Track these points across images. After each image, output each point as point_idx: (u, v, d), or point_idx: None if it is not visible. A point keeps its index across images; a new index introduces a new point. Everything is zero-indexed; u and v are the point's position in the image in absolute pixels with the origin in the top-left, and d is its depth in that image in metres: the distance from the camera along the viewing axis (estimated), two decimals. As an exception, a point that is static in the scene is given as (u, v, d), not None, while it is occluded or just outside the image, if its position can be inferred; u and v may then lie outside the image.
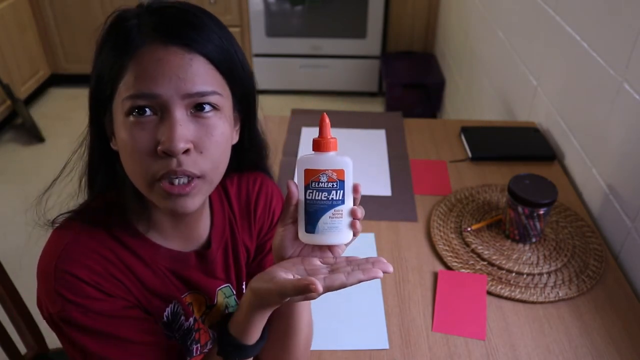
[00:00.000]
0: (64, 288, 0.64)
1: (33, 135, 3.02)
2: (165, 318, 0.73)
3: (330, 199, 0.61)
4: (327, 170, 0.61)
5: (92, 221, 0.69)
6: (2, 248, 2.23)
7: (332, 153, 0.62)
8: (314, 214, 0.61)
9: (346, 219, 0.62)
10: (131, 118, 0.61)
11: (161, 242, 0.73)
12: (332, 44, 3.33)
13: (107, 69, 0.63)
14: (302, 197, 0.62)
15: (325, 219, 0.62)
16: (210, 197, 0.78)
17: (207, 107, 0.63)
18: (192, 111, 0.62)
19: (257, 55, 3.37)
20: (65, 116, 3.26)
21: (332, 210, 0.61)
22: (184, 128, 0.61)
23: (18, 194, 2.58)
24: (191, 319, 0.77)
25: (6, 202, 2.55)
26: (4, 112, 3.02)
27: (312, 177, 0.61)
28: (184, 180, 0.62)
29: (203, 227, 0.78)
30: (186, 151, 0.61)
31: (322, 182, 0.61)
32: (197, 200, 0.65)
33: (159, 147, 0.60)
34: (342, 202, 0.61)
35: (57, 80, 3.57)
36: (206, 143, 0.63)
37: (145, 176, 0.62)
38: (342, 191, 0.61)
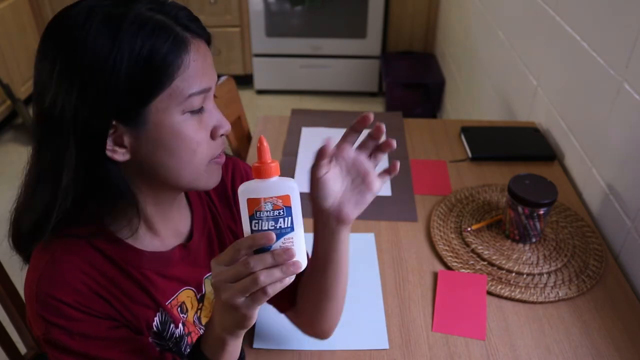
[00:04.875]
0: (47, 311, 0.63)
1: (33, 135, 3.02)
2: (155, 328, 0.73)
3: (278, 227, 0.57)
4: (272, 197, 0.57)
5: (71, 234, 0.66)
6: (2, 248, 2.23)
7: (274, 178, 0.58)
8: (263, 246, 0.57)
9: (298, 246, 0.58)
10: (191, 115, 0.63)
11: (145, 244, 0.72)
12: (332, 44, 3.33)
13: (153, 72, 0.59)
14: (247, 229, 0.58)
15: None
16: None
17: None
18: None
19: (257, 55, 3.37)
20: (65, 116, 3.26)
21: (282, 239, 0.57)
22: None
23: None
24: (180, 325, 0.77)
25: (6, 202, 2.55)
26: (4, 112, 3.02)
27: (255, 206, 0.57)
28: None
29: (184, 219, 0.78)
30: None
31: (267, 211, 0.57)
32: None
33: (220, 132, 0.66)
34: (292, 229, 0.58)
35: (57, 80, 3.57)
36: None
37: (205, 160, 0.66)
38: (290, 218, 0.57)
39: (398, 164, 0.70)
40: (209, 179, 0.69)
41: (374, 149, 0.71)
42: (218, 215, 0.83)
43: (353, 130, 0.69)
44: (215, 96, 0.68)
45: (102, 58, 0.57)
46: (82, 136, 0.59)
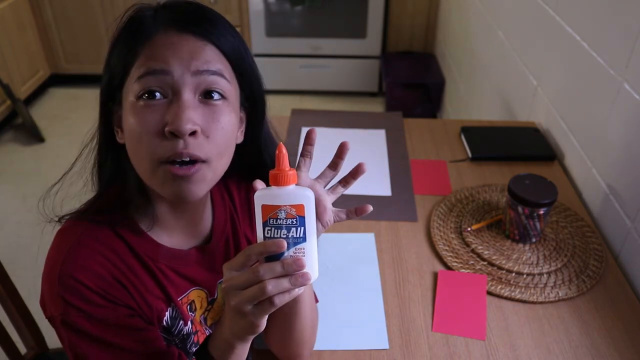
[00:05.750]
0: (68, 293, 0.64)
1: (33, 135, 3.02)
2: (165, 322, 0.73)
3: (290, 236, 0.57)
4: (286, 205, 0.57)
5: (97, 220, 0.69)
6: (2, 248, 2.23)
7: (291, 186, 0.58)
8: (274, 253, 0.57)
9: (309, 258, 0.58)
10: (141, 102, 0.62)
11: (164, 238, 0.73)
12: (332, 44, 3.33)
13: (121, 58, 0.64)
14: (260, 236, 0.58)
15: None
16: (211, 191, 0.78)
17: (216, 95, 0.64)
18: (200, 97, 0.63)
19: (257, 55, 3.37)
20: (65, 116, 3.26)
21: (293, 249, 0.57)
22: (192, 111, 0.61)
23: (18, 194, 2.58)
24: (189, 323, 0.77)
25: (6, 202, 2.55)
26: (4, 112, 3.02)
27: (269, 213, 0.57)
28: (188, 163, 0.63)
29: (205, 222, 0.79)
30: (193, 133, 0.61)
31: (280, 219, 0.57)
32: (201, 187, 0.65)
33: (166, 128, 0.60)
34: (304, 239, 0.57)
35: (57, 80, 3.57)
36: (213, 128, 0.63)
37: (150, 158, 0.62)
38: (302, 228, 0.57)
39: (368, 210, 0.67)
40: (163, 186, 0.64)
41: (335, 184, 0.70)
42: (237, 221, 0.83)
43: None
44: (214, 91, 0.64)
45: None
46: (103, 112, 0.68)
